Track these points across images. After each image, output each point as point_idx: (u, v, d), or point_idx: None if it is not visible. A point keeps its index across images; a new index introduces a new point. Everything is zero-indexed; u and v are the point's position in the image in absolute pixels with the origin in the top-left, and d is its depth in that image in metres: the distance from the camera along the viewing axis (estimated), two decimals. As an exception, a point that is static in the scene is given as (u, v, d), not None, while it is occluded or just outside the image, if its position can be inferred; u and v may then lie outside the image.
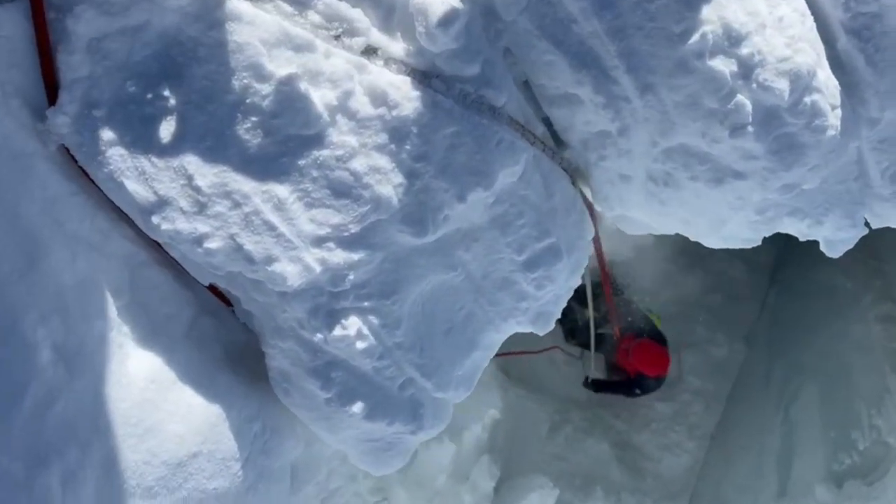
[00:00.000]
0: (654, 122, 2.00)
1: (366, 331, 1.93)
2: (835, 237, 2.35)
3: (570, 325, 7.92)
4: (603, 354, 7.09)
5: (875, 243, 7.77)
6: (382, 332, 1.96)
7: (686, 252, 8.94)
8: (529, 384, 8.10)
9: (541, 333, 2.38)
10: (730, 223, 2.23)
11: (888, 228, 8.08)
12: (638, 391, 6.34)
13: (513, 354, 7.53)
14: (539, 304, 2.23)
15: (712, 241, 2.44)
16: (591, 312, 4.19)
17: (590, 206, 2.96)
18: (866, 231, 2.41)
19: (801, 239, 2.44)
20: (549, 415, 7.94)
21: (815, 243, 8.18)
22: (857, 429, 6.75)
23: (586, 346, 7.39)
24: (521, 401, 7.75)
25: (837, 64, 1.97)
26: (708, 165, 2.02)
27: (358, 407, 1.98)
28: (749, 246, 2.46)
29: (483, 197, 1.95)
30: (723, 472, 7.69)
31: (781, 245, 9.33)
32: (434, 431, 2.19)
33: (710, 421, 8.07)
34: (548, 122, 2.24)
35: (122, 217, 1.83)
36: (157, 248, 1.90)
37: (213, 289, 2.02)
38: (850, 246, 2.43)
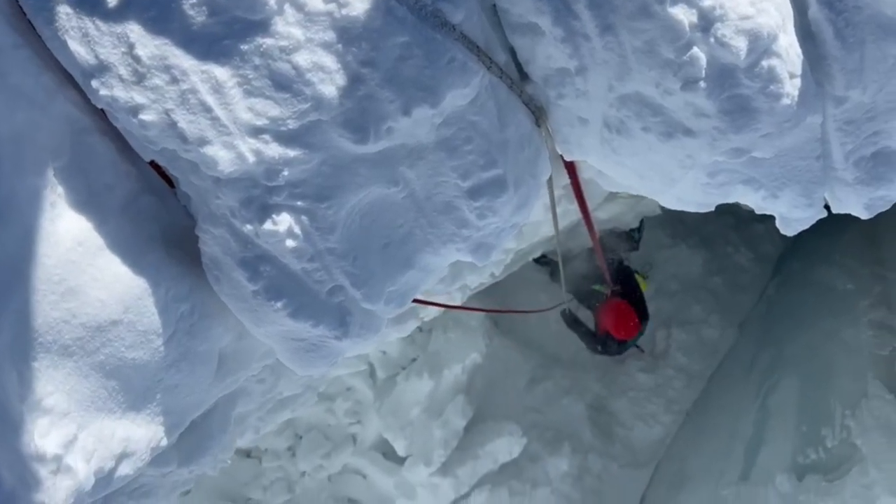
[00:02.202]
0: (611, 66, 1.96)
1: (297, 230, 1.96)
2: (790, 215, 2.31)
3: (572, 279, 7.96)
4: (591, 311, 7.10)
5: (882, 250, 7.66)
6: (315, 235, 1.99)
7: (696, 232, 8.88)
8: (517, 336, 8.21)
9: (479, 264, 2.40)
10: (681, 183, 2.20)
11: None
12: (599, 348, 6.35)
13: (509, 312, 7.63)
14: (480, 235, 2.24)
15: (667, 201, 2.41)
16: (559, 256, 4.18)
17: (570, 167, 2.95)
18: (825, 214, 2.36)
19: (757, 212, 2.40)
20: (532, 368, 8.06)
21: (821, 242, 8.07)
22: (829, 426, 6.79)
23: (580, 299, 7.45)
24: (506, 350, 7.87)
25: (807, 33, 1.89)
26: (660, 118, 1.99)
27: (283, 304, 2.03)
28: (703, 210, 2.43)
29: (430, 115, 1.95)
30: (691, 449, 7.78)
31: (790, 239, 9.22)
32: (361, 341, 2.24)
33: (688, 398, 8.13)
34: (513, 54, 2.22)
35: (70, 81, 1.86)
36: (102, 116, 1.93)
37: (156, 167, 2.06)
38: (806, 226, 2.38)
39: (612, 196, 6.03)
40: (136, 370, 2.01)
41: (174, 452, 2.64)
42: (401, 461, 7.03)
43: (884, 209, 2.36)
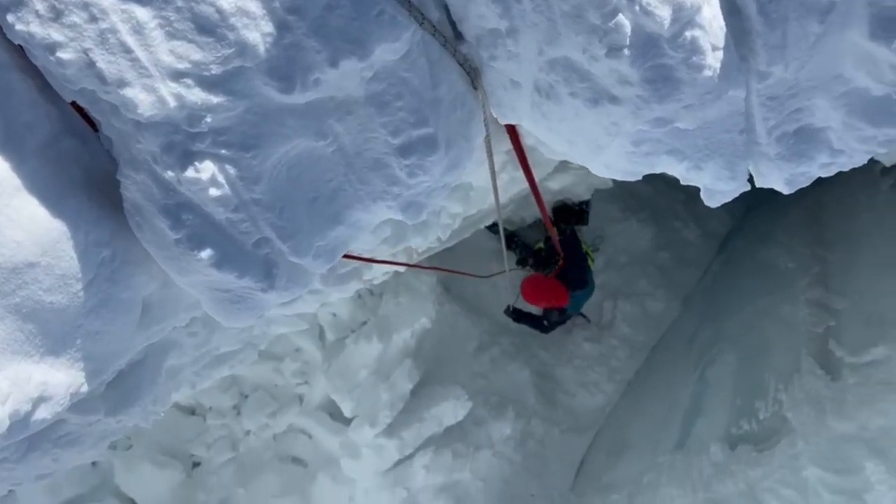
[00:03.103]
0: (541, 29, 1.97)
1: (221, 179, 1.94)
2: (714, 186, 2.37)
3: (521, 252, 8.08)
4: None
5: (824, 232, 7.91)
6: (239, 185, 1.98)
7: (647, 206, 9.03)
8: (467, 303, 8.29)
9: (410, 222, 2.41)
10: (608, 150, 2.24)
11: (846, 221, 8.11)
12: (546, 322, 6.49)
13: (456, 273, 7.68)
14: (411, 193, 2.25)
15: (596, 168, 2.45)
16: (503, 246, 4.23)
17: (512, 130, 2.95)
18: (748, 187, 2.43)
19: (683, 183, 2.46)
20: (480, 334, 8.16)
21: (767, 221, 8.27)
22: (762, 399, 7.03)
23: (534, 265, 7.57)
24: (455, 316, 7.95)
25: (733, 7, 1.92)
26: (587, 84, 2.01)
27: (206, 254, 2.02)
28: (630, 179, 2.47)
29: (358, 68, 1.93)
30: (631, 417, 8.02)
31: (737, 217, 9.45)
32: (287, 294, 2.24)
33: (630, 368, 8.35)
34: (448, 12, 2.20)
35: (-15, 15, 1.79)
36: (21, 54, 1.87)
37: (79, 109, 2.01)
38: (729, 198, 2.45)
39: (563, 166, 6.08)
40: (55, 314, 1.98)
41: (100, 401, 2.63)
42: (347, 422, 7.10)
43: (805, 185, 2.44)
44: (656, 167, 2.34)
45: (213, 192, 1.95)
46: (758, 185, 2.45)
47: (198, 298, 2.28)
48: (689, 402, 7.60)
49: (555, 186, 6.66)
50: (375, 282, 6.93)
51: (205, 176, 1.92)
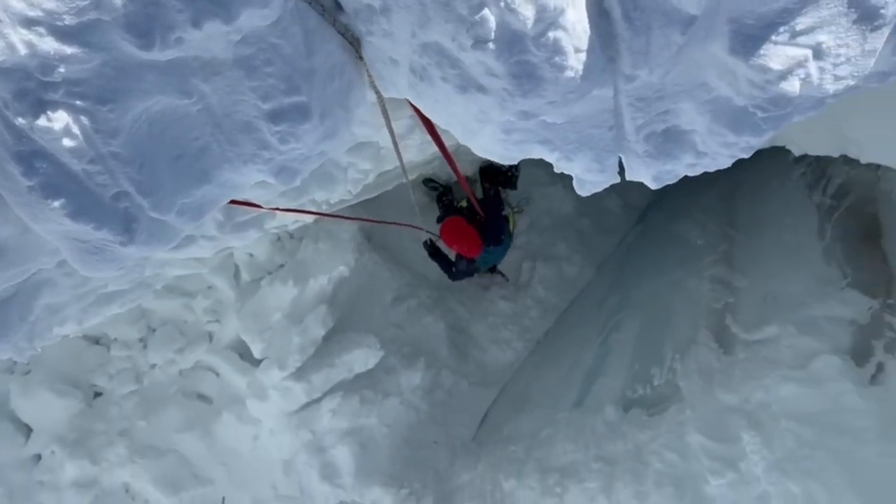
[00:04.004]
0: (414, 12, 1.96)
1: (75, 130, 1.89)
2: (584, 177, 2.45)
3: (444, 208, 8.11)
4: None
5: (736, 212, 8.21)
6: (96, 137, 1.93)
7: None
8: (389, 253, 8.33)
9: (283, 187, 2.42)
10: (480, 135, 2.28)
11: (756, 204, 8.40)
12: (454, 270, 6.57)
13: (372, 222, 7.67)
14: (283, 158, 2.24)
15: (475, 148, 2.49)
16: (408, 181, 4.24)
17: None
18: (618, 179, 2.51)
19: (556, 170, 2.53)
20: (399, 286, 8.24)
21: (685, 197, 8.49)
22: (659, 367, 7.36)
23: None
24: (375, 266, 7.98)
25: (601, 10, 1.96)
26: (457, 71, 2.03)
27: (60, 203, 1.98)
28: (507, 162, 2.53)
29: (224, 31, 1.90)
30: (536, 374, 8.32)
31: (658, 191, 9.70)
32: (149, 249, 2.22)
33: (542, 327, 8.61)
34: (328, -20, 2.17)
35: None
36: None
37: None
38: (599, 189, 2.54)
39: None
40: None
41: (-36, 336, 2.58)
42: (256, 363, 7.13)
43: (672, 181, 2.55)
44: (530, 154, 2.40)
45: (67, 142, 1.90)
46: (627, 178, 2.54)
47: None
48: (592, 364, 7.91)
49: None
50: (289, 228, 6.90)
51: (57, 126, 1.87)
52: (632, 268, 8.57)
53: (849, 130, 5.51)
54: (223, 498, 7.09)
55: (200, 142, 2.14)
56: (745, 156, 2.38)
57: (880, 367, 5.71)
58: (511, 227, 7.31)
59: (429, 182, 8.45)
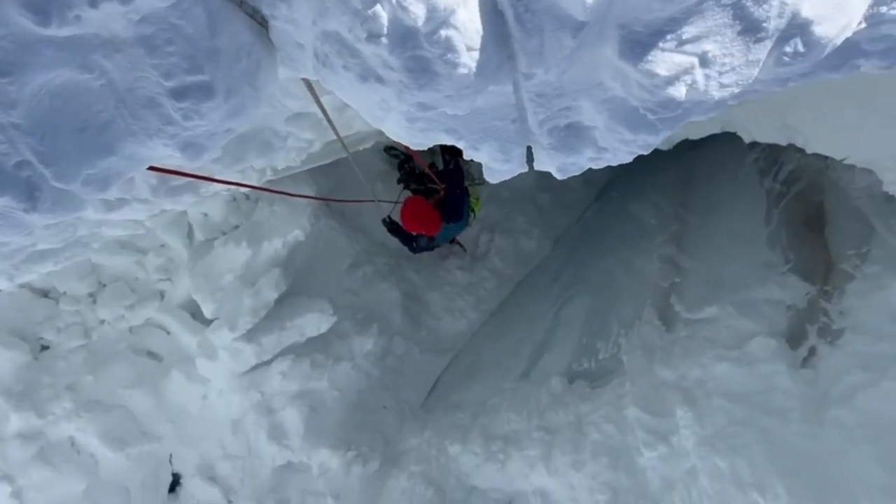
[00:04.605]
0: (313, 1, 1.99)
1: (-27, 101, 1.91)
2: (492, 166, 2.52)
3: (405, 176, 8.11)
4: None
5: (691, 195, 8.34)
6: (-6, 108, 1.96)
7: (537, 146, 9.22)
8: (347, 219, 8.36)
9: (190, 163, 2.45)
10: (387, 121, 2.32)
11: (710, 188, 8.48)
12: (414, 245, 6.64)
13: (330, 201, 7.67)
14: (189, 134, 2.27)
15: (387, 132, 2.53)
16: (349, 155, 4.25)
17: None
18: (525, 168, 2.58)
19: (466, 157, 2.59)
20: (356, 252, 8.29)
21: (641, 177, 8.56)
22: (605, 341, 7.54)
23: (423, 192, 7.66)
24: (332, 231, 8.01)
25: (496, 11, 1.99)
26: (357, 60, 2.06)
27: (-40, 171, 2.00)
28: (419, 148, 2.58)
29: (121, 11, 1.90)
30: (487, 345, 8.48)
31: (617, 169, 9.82)
32: (54, 217, 2.25)
33: (496, 299, 8.74)
34: (233, -38, 2.17)
35: None
36: None
37: None
38: (507, 177, 2.61)
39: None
40: None
41: None
42: (207, 323, 7.17)
43: (576, 173, 2.62)
44: (438, 141, 2.45)
45: (-35, 113, 1.92)
46: (535, 168, 2.61)
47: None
48: (542, 337, 8.08)
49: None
50: (242, 190, 6.87)
51: (-46, 97, 1.88)
52: (587, 244, 8.71)
53: (794, 121, 5.60)
54: (170, 455, 7.20)
55: (104, 115, 2.16)
56: (645, 152, 2.46)
57: (812, 351, 5.92)
58: (474, 202, 7.35)
59: (390, 150, 8.44)
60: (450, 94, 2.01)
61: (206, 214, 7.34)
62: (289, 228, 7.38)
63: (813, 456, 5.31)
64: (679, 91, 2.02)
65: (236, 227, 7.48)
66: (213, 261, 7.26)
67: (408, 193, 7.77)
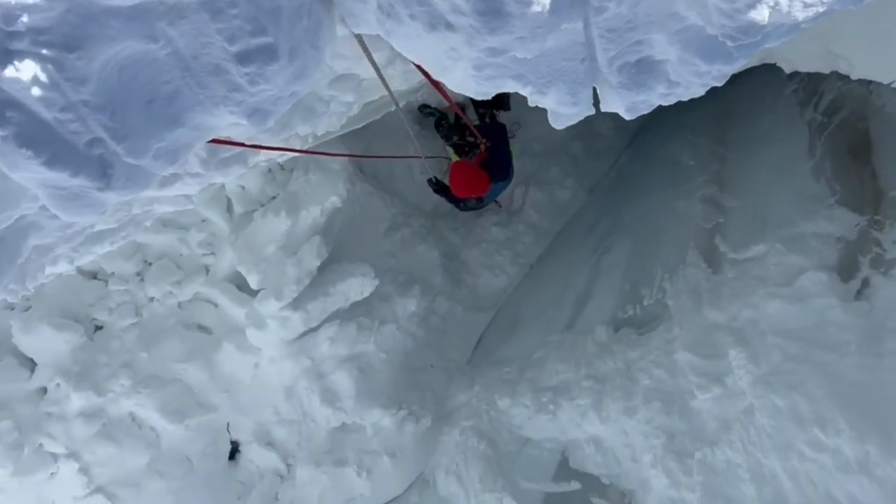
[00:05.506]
0: (377, -53, 1.94)
1: (44, 79, 1.89)
2: (558, 110, 2.46)
3: (445, 131, 8.05)
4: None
5: (728, 131, 8.14)
6: (65, 85, 1.93)
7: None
8: (381, 183, 8.33)
9: (256, 129, 2.43)
10: (453, 72, 2.27)
11: (748, 123, 8.28)
12: (462, 205, 6.63)
13: (382, 158, 7.65)
14: (254, 100, 2.25)
15: (450, 84, 2.48)
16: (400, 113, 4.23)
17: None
18: (592, 111, 2.52)
19: (531, 104, 2.54)
20: (392, 215, 8.29)
21: (675, 118, 8.38)
22: (649, 287, 7.48)
23: (457, 150, 7.62)
24: (367, 196, 8.00)
25: None
26: (425, 8, 2.00)
27: (35, 152, 1.99)
28: (483, 98, 2.52)
29: (186, -28, 1.87)
30: (528, 298, 8.48)
31: (650, 113, 9.61)
32: (127, 193, 2.26)
33: (535, 252, 8.71)
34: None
35: None
36: None
37: None
38: (574, 121, 2.55)
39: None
40: None
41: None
42: (253, 294, 7.26)
43: (646, 111, 2.55)
44: (504, 88, 2.40)
45: (37, 91, 1.90)
46: (602, 109, 2.54)
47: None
48: (583, 286, 8.04)
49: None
50: (279, 161, 6.86)
51: (25, 76, 1.86)
52: (623, 190, 8.60)
53: (838, 47, 5.41)
54: (227, 423, 7.38)
55: (171, 86, 2.14)
56: (719, 84, 2.38)
57: (865, 283, 5.81)
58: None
59: (424, 108, 8.36)
60: (522, 35, 1.95)
61: (243, 187, 7.37)
62: (325, 195, 7.39)
63: (872, 388, 5.25)
64: (761, 14, 1.93)
65: (273, 197, 7.51)
66: (253, 232, 7.31)
67: (449, 149, 7.71)
